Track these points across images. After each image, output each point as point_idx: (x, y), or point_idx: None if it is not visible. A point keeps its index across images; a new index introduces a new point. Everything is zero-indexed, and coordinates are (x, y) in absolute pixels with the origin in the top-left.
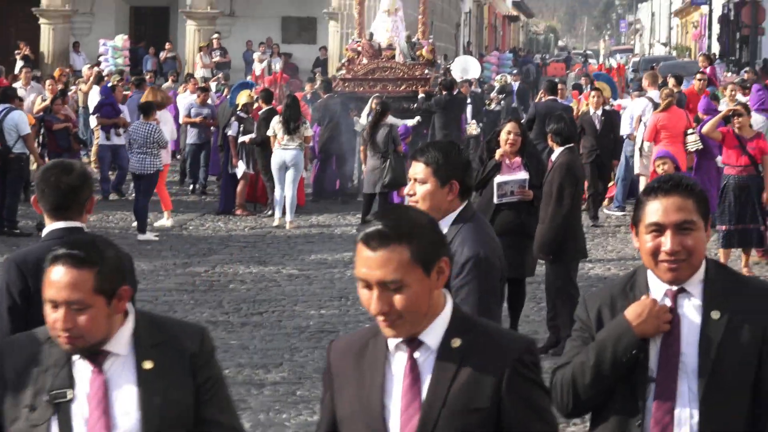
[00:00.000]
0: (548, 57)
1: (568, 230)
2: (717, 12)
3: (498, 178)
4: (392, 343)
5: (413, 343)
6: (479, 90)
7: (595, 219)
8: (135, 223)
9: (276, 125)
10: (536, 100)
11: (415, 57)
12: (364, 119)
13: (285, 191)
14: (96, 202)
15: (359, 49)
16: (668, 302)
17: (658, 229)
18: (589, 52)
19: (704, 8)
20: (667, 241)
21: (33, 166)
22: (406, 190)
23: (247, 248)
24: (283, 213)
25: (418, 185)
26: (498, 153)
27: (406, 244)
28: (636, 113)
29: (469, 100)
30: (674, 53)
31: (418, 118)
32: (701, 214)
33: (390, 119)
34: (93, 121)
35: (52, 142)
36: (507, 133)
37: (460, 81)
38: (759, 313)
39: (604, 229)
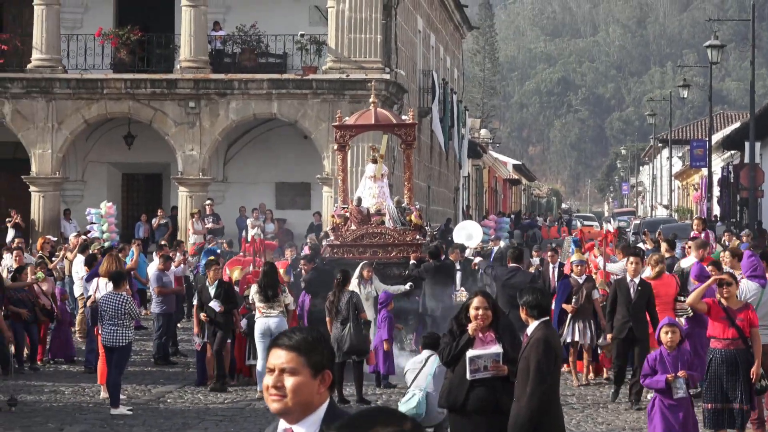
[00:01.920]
0: (551, 220)
1: (547, 410)
2: (717, 174)
3: (470, 353)
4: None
5: None
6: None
7: (637, 402)
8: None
9: (254, 293)
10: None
11: (405, 222)
12: (354, 286)
13: None
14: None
15: (347, 215)
16: None
17: None
18: (590, 214)
19: (704, 170)
20: None
21: None
22: (267, 381)
23: (224, 422)
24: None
25: (287, 376)
26: (470, 327)
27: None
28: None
29: (459, 267)
30: (676, 215)
31: (410, 284)
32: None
33: (376, 283)
34: (77, 290)
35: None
36: (475, 309)
37: (452, 247)
38: None
39: (595, 398)
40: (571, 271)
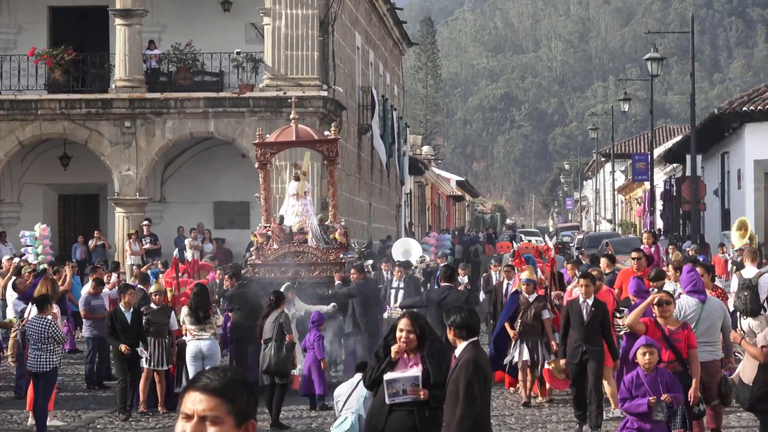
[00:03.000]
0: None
1: None
2: (659, 188)
3: (387, 376)
4: None
5: None
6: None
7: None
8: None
9: (185, 315)
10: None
11: (328, 241)
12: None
13: None
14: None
15: (269, 234)
16: None
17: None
18: (535, 229)
19: (647, 184)
20: None
21: None
22: (183, 429)
23: None
24: None
25: (209, 426)
26: (393, 349)
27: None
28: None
29: (402, 285)
30: (619, 230)
31: (333, 304)
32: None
33: (298, 304)
34: (9, 313)
35: None
36: (399, 331)
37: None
38: None
39: (534, 418)
40: (521, 289)
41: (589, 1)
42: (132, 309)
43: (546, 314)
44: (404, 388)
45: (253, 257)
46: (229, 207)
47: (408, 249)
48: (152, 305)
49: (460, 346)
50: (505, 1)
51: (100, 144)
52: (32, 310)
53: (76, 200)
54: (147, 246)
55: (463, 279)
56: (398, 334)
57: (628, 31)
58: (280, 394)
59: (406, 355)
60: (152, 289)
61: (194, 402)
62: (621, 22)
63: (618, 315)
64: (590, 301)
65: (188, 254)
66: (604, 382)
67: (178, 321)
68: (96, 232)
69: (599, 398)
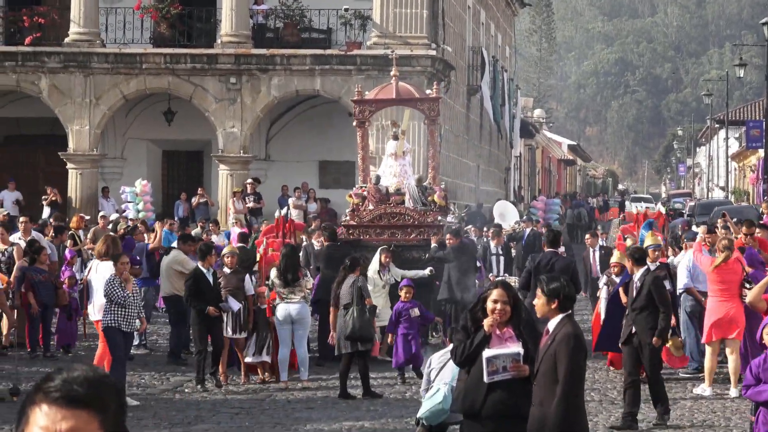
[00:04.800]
0: (610, 200)
1: (577, 416)
2: None
3: (487, 353)
4: None
5: None
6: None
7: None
8: None
9: (274, 278)
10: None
11: (426, 203)
12: (372, 272)
13: (296, 348)
14: None
15: (364, 194)
16: None
17: None
18: (647, 195)
19: (761, 152)
20: None
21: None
22: None
23: (240, 415)
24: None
25: None
26: (486, 323)
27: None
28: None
29: (500, 251)
30: (732, 197)
31: (430, 268)
32: None
33: (393, 270)
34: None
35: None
36: (493, 302)
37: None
38: None
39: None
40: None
41: None
42: (212, 270)
43: (667, 284)
44: (505, 365)
45: (348, 218)
46: (335, 166)
47: (504, 212)
48: (225, 269)
49: (556, 318)
50: None
51: (204, 100)
52: (93, 267)
53: (180, 156)
54: (251, 204)
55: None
56: (491, 305)
57: None
58: (364, 363)
59: (497, 329)
60: (225, 250)
61: (54, 420)
62: None
63: (746, 286)
64: (636, 276)
65: (280, 212)
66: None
67: (266, 284)
68: (200, 189)
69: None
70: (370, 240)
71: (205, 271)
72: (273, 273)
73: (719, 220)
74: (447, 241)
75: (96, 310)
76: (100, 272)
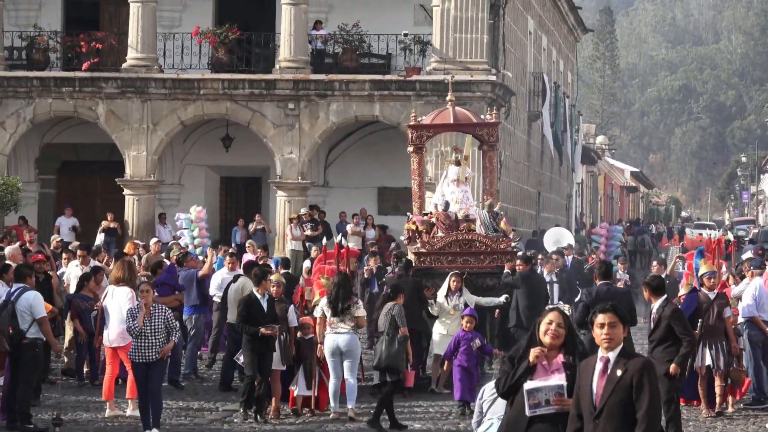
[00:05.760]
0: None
1: None
2: None
3: (528, 385)
4: None
5: None
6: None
7: None
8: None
9: (324, 306)
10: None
11: (498, 229)
12: (440, 297)
13: (345, 379)
14: None
15: (432, 221)
16: None
17: None
18: (711, 222)
19: None
20: None
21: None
22: None
23: None
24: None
25: None
26: (532, 353)
27: None
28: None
29: (555, 279)
30: None
31: (505, 296)
32: None
33: (467, 296)
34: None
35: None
36: (548, 323)
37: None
38: None
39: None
40: (701, 285)
41: None
42: (267, 296)
43: (728, 312)
44: (547, 398)
45: (418, 246)
46: (393, 193)
47: (559, 239)
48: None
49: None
50: None
51: (262, 126)
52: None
53: (238, 182)
54: (308, 232)
55: (623, 275)
56: (545, 327)
57: None
58: (389, 391)
59: (545, 361)
60: (272, 278)
61: None
62: None
63: None
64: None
65: (336, 240)
66: None
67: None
68: (257, 215)
69: None
70: (442, 267)
71: (259, 296)
72: (323, 302)
73: None
74: (517, 267)
75: (111, 336)
76: (115, 298)
